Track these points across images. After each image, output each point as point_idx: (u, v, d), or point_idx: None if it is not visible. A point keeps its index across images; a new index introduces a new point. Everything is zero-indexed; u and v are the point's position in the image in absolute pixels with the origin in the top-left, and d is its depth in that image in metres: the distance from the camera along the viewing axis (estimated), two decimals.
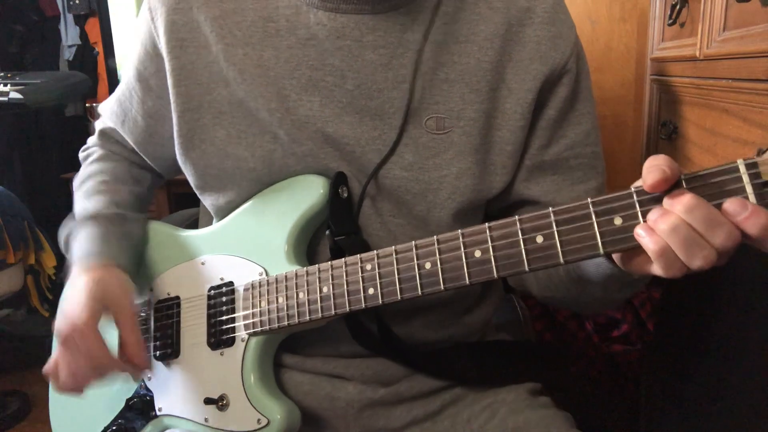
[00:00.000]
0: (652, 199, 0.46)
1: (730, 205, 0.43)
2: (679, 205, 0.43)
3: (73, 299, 0.66)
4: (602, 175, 0.74)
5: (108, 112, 0.84)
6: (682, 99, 1.02)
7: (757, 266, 0.66)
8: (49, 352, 0.87)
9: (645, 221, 0.46)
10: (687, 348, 0.78)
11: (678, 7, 1.00)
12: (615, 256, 0.52)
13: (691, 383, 0.75)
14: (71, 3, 2.45)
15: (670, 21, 1.04)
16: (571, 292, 0.68)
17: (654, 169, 0.44)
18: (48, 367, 0.67)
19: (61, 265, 2.03)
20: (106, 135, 0.87)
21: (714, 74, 0.84)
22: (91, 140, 0.89)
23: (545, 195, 0.71)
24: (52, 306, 2.06)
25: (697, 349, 0.75)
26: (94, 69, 2.53)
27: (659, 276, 0.47)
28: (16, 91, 1.93)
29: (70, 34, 2.51)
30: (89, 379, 0.66)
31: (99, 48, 2.49)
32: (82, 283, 0.67)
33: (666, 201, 0.45)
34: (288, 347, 0.74)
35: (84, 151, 0.89)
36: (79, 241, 0.73)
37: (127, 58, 0.80)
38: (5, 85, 1.94)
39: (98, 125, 0.88)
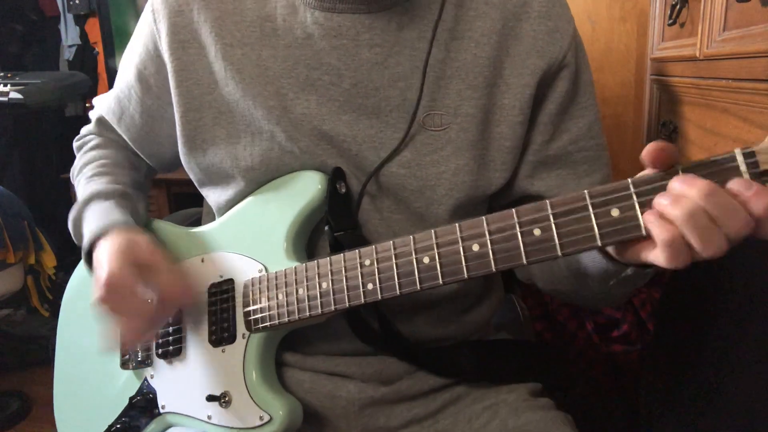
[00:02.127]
0: (650, 190, 0.45)
1: (734, 184, 0.41)
2: (695, 190, 0.41)
3: (101, 264, 0.64)
4: (608, 166, 0.74)
5: (105, 108, 0.84)
6: (682, 99, 1.02)
7: (757, 266, 0.66)
8: (49, 352, 0.88)
9: (651, 208, 0.44)
10: (687, 348, 0.77)
11: (678, 7, 1.00)
12: (610, 249, 0.52)
13: (691, 383, 0.75)
14: (71, 3, 2.44)
15: (670, 21, 1.04)
16: (573, 285, 0.68)
17: (652, 143, 0.44)
18: (122, 337, 0.66)
19: (62, 265, 2.03)
20: (104, 123, 0.86)
21: (714, 74, 0.85)
22: (87, 129, 0.89)
23: (550, 190, 0.71)
24: (52, 306, 2.06)
25: (697, 349, 0.75)
26: (94, 69, 2.52)
27: (658, 267, 0.46)
28: (16, 91, 1.93)
29: (70, 34, 2.51)
30: (148, 323, 0.64)
31: (99, 48, 2.49)
32: (107, 246, 0.65)
33: (677, 186, 0.43)
34: (289, 345, 0.74)
35: (78, 140, 0.88)
36: (89, 221, 0.72)
37: (126, 57, 0.80)
38: (5, 85, 1.94)
39: (94, 114, 0.88)
